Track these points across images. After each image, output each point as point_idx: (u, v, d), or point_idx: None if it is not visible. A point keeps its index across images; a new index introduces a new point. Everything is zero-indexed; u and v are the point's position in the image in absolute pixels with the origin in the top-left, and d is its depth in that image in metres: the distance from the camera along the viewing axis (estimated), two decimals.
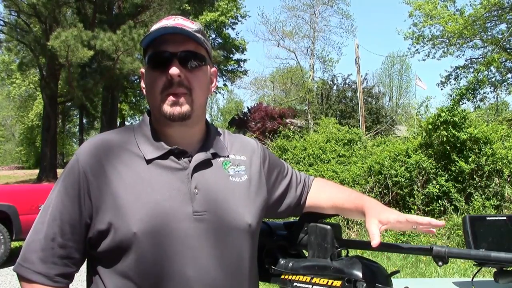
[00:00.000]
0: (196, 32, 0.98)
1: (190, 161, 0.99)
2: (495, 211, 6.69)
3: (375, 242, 0.93)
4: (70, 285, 0.99)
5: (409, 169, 7.39)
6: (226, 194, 1.00)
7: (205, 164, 1.00)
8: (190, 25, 1.00)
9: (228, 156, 1.06)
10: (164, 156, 0.98)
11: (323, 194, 1.19)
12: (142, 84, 1.05)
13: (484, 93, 21.28)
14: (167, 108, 0.96)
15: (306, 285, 1.05)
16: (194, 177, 0.97)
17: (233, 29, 29.55)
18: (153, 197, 0.93)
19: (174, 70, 0.94)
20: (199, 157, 1.00)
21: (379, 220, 0.98)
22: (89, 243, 0.95)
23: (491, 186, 6.95)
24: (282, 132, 11.68)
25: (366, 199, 1.10)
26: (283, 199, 1.17)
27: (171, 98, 0.95)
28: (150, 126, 1.02)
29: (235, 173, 1.04)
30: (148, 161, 0.97)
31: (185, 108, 0.96)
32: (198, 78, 0.99)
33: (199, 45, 0.99)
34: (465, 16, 20.51)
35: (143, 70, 1.05)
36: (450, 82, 23.19)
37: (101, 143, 0.99)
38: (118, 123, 23.91)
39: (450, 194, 7.03)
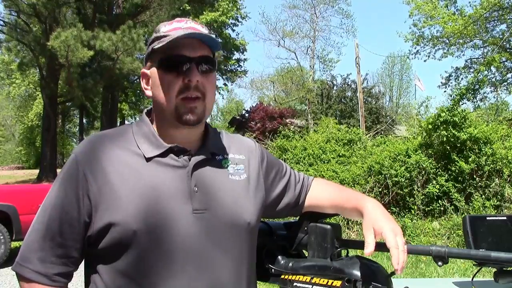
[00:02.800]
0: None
1: (189, 159, 0.99)
2: (495, 211, 6.69)
3: (367, 251, 0.93)
4: (70, 284, 0.99)
5: (409, 169, 7.39)
6: (225, 192, 1.00)
7: (205, 163, 1.01)
8: (202, 29, 1.01)
9: (227, 155, 1.07)
10: (163, 154, 0.98)
11: (324, 193, 1.19)
12: (144, 85, 1.05)
13: (484, 93, 21.29)
14: (183, 113, 0.97)
15: (306, 285, 1.05)
16: (193, 175, 0.98)
17: (233, 30, 29.56)
18: (153, 194, 0.93)
19: (195, 76, 0.96)
20: (198, 155, 1.00)
21: (374, 227, 0.98)
22: (88, 241, 0.95)
23: (491, 186, 6.95)
24: (282, 132, 11.67)
25: (367, 200, 1.09)
26: (281, 198, 1.17)
27: (189, 105, 0.96)
28: (149, 126, 1.02)
29: (234, 171, 1.05)
30: (148, 159, 0.97)
31: (199, 114, 0.98)
32: (210, 83, 1.00)
33: (210, 50, 1.01)
34: (464, 17, 20.50)
35: (145, 71, 1.04)
36: (451, 82, 23.20)
37: (99, 141, 0.99)
38: (118, 123, 23.90)
39: (450, 194, 7.02)
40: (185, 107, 0.96)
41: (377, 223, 0.98)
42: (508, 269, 0.97)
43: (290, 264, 1.13)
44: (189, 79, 0.95)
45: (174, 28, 0.98)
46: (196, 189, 0.96)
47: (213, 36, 1.00)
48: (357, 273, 0.98)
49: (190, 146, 1.02)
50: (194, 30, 0.98)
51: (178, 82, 0.96)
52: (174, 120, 0.98)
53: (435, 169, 7.30)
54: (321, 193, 1.19)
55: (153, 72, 1.01)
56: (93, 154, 0.96)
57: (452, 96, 9.41)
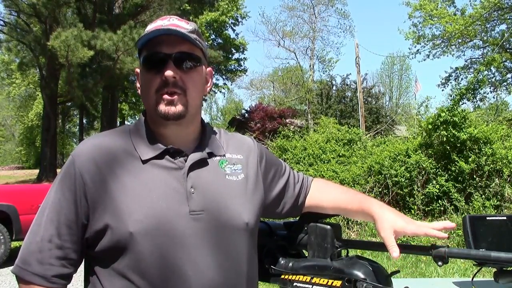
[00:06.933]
0: (191, 33, 0.99)
1: (185, 161, 0.99)
2: (495, 211, 6.69)
3: (395, 255, 0.95)
4: (69, 285, 0.99)
5: (409, 169, 7.39)
6: (222, 193, 1.00)
7: (201, 163, 1.00)
8: (185, 25, 1.00)
9: (224, 155, 1.06)
10: (159, 156, 0.98)
11: (325, 194, 1.18)
12: (138, 84, 1.06)
13: (484, 93, 21.29)
14: (162, 107, 0.96)
15: (306, 285, 1.05)
16: (190, 177, 0.97)
17: (234, 30, 29.54)
18: (150, 197, 0.93)
19: (169, 72, 0.95)
20: (194, 156, 1.00)
21: (394, 229, 0.99)
22: (86, 243, 0.95)
23: (491, 186, 6.95)
24: (282, 132, 11.68)
25: (374, 202, 1.09)
26: (281, 198, 1.16)
27: (166, 97, 0.96)
28: (145, 127, 1.03)
29: (232, 172, 1.04)
30: (144, 161, 0.97)
31: (180, 107, 0.97)
32: (192, 79, 1.00)
33: (194, 46, 1.00)
34: (465, 17, 20.49)
35: (138, 70, 1.06)
36: (451, 82, 23.20)
37: (97, 144, 0.99)
38: (118, 123, 23.88)
39: (450, 194, 7.03)
40: (163, 100, 0.96)
41: (397, 225, 1.00)
42: (508, 269, 0.97)
43: (290, 264, 1.13)
44: (164, 76, 0.95)
45: (155, 27, 0.98)
46: (193, 190, 0.96)
47: (188, 32, 0.98)
48: (357, 273, 0.98)
49: (186, 146, 1.01)
50: (175, 27, 0.97)
51: (157, 79, 0.97)
52: (157, 116, 0.98)
53: (435, 169, 7.30)
54: (323, 194, 1.19)
55: (140, 70, 1.03)
56: (90, 156, 0.96)
57: (452, 96, 9.42)
